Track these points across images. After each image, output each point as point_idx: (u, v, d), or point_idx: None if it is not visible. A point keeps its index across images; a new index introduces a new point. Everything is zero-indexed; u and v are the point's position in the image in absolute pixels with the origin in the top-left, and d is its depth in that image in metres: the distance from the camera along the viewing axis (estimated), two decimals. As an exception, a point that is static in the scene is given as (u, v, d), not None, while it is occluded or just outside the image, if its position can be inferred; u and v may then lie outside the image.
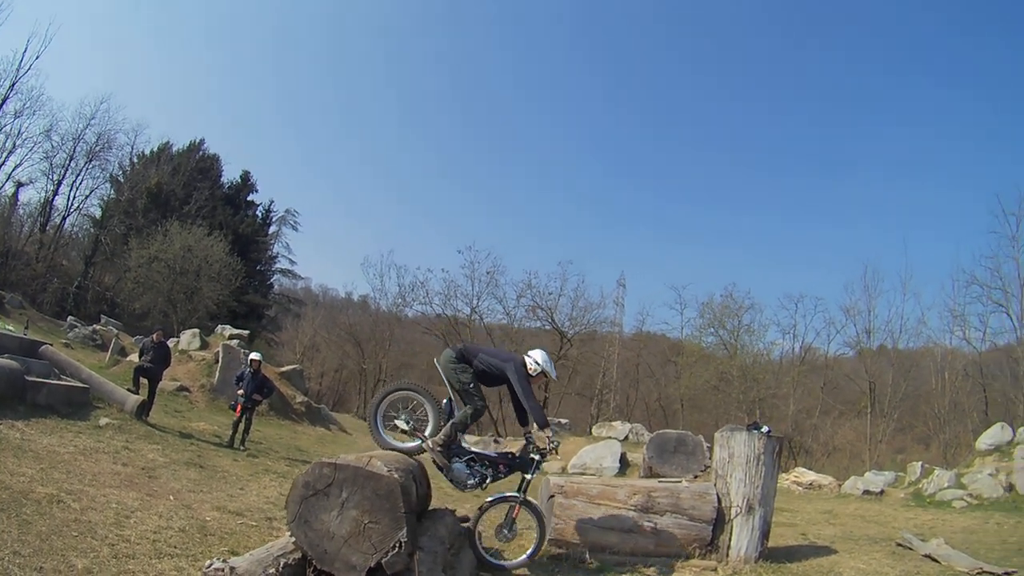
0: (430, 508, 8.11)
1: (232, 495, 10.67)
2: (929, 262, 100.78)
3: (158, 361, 17.54)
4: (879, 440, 45.58)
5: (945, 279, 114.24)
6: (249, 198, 71.10)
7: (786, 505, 18.27)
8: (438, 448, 8.16)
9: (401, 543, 5.28)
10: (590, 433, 31.89)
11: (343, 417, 43.57)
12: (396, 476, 5.50)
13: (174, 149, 66.09)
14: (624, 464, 23.35)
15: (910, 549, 12.53)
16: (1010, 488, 19.38)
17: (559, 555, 9.48)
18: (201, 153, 67.89)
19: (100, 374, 18.13)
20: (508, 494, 8.54)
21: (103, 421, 14.26)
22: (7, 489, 7.85)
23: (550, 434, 8.59)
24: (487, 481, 8.50)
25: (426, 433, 8.43)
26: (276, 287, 78.16)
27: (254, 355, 19.09)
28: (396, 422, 8.53)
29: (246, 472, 13.29)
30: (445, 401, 8.69)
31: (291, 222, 75.71)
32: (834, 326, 52.88)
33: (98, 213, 60.39)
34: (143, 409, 16.12)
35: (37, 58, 50.26)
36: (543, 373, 8.77)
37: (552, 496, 10.00)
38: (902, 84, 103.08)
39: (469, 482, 8.33)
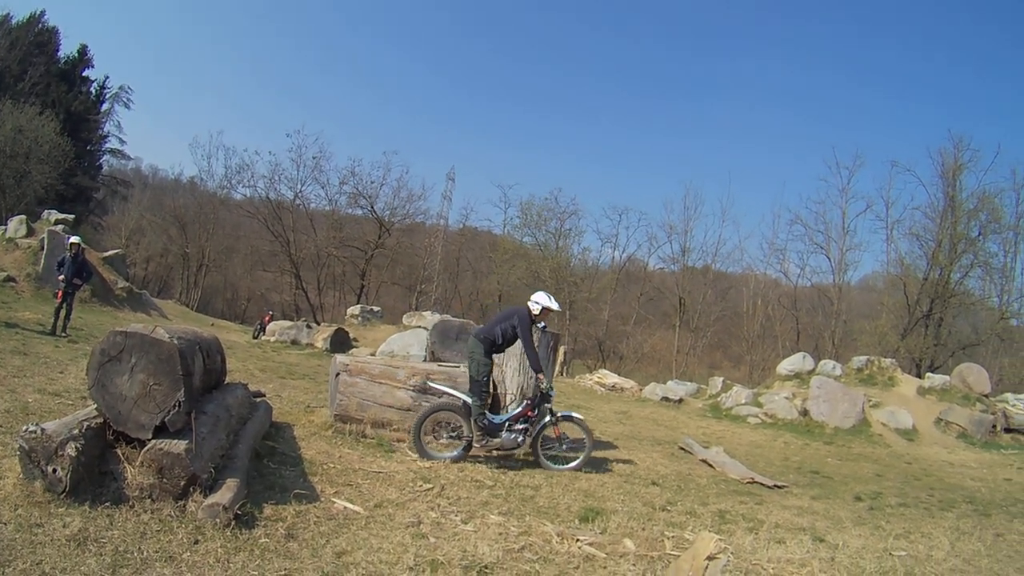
0: (226, 382, 8.79)
1: (52, 379, 10.98)
2: (751, 194, 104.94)
3: None
4: (687, 352, 48.20)
5: (767, 213, 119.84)
6: (84, 73, 67.35)
7: (585, 403, 19.61)
8: (481, 441, 9.72)
9: (179, 403, 5.83)
10: (402, 323, 32.38)
11: (165, 304, 43.04)
12: (176, 342, 6.00)
13: (13, 22, 61.54)
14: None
15: (690, 453, 13.78)
16: (804, 413, 21.04)
17: (341, 429, 10.25)
18: (40, 26, 63.54)
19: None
20: (545, 419, 10.23)
21: (-74, 315, 14.05)
22: None
23: (542, 377, 10.04)
24: (528, 431, 10.02)
25: (465, 435, 9.84)
26: (105, 168, 75.09)
27: (73, 238, 19.01)
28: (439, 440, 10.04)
29: (66, 357, 13.57)
30: (460, 404, 9.91)
31: (124, 99, 72.35)
32: (655, 241, 55.38)
33: None
34: (-32, 302, 15.84)
35: None
36: (545, 309, 10.19)
37: (338, 374, 10.64)
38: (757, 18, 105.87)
39: (519, 441, 9.89)
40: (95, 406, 6.09)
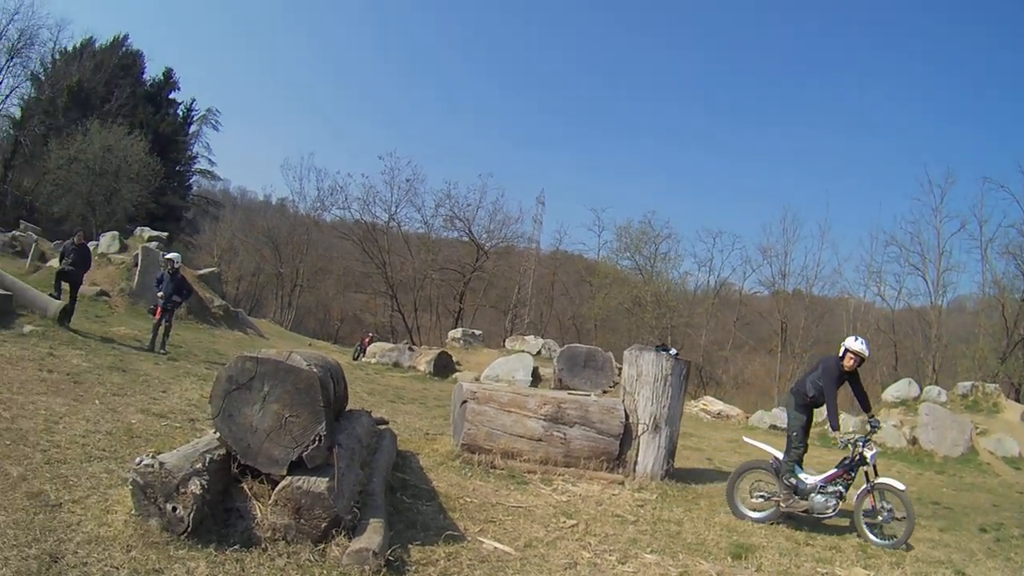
0: (347, 409, 8.22)
1: (155, 398, 10.66)
2: (849, 216, 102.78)
3: (79, 264, 17.18)
4: (788, 378, 46.67)
5: (864, 235, 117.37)
6: (171, 96, 69.05)
7: (694, 431, 18.82)
8: (788, 501, 8.90)
9: (320, 437, 5.33)
10: (503, 346, 32.01)
11: (260, 322, 43.26)
12: (315, 370, 5.50)
13: (97, 45, 63.40)
14: (536, 378, 23.43)
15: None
16: (914, 441, 20.08)
17: (469, 459, 9.74)
18: (124, 49, 65.43)
19: (21, 281, 17.73)
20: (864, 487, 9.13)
21: (27, 328, 14.12)
22: None
23: (839, 435, 9.30)
24: (843, 495, 9.05)
25: (775, 496, 9.09)
26: (195, 188, 76.85)
27: (172, 255, 18.74)
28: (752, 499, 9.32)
29: (168, 375, 13.23)
30: (771, 461, 9.31)
31: (212, 121, 73.99)
32: (750, 264, 54.18)
33: (18, 113, 57.38)
34: (65, 315, 15.87)
35: None
36: (852, 352, 9.13)
37: (465, 402, 10.18)
38: (840, 44, 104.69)
39: (831, 506, 8.94)
40: (217, 436, 5.60)
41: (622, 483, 9.90)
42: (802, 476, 9.11)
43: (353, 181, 69.89)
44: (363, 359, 29.43)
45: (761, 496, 9.26)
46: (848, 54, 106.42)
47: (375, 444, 8.10)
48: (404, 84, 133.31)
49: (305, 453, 5.31)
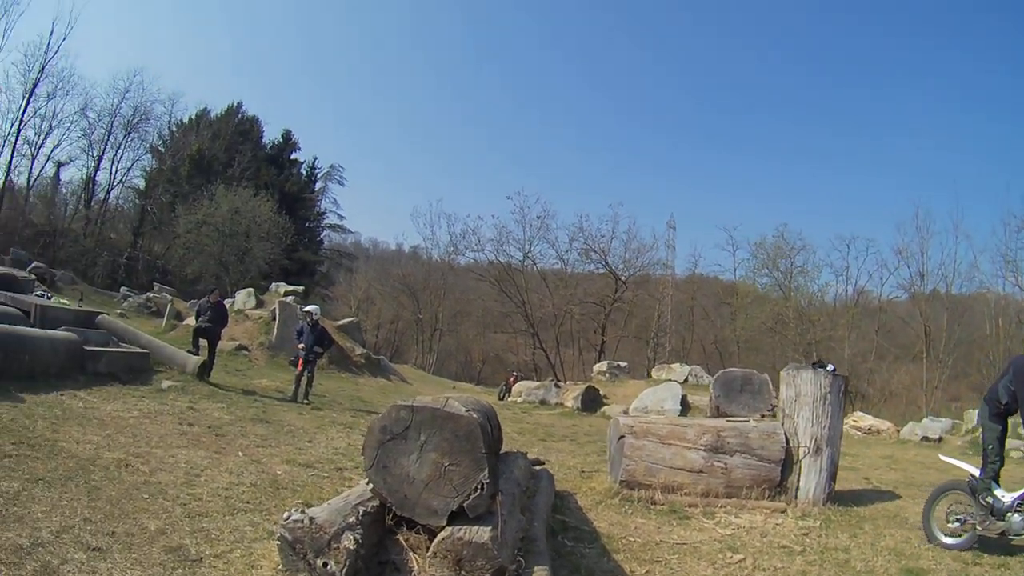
0: (503, 451, 7.95)
1: (301, 448, 10.67)
2: (978, 204, 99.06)
3: (216, 321, 17.48)
4: (935, 386, 44.71)
5: (996, 223, 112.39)
6: (292, 156, 71.55)
7: (847, 449, 18.07)
8: (984, 523, 8.13)
9: (483, 485, 5.09)
10: (649, 376, 31.77)
11: (402, 367, 43.64)
12: (475, 416, 5.29)
13: (212, 115, 66.70)
14: (685, 406, 23.08)
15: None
16: None
17: (629, 496, 9.42)
18: (240, 116, 68.30)
19: (158, 339, 18.12)
20: None
21: (165, 384, 14.21)
22: (73, 457, 7.79)
23: None
24: None
25: (971, 519, 8.30)
26: (326, 243, 78.69)
27: (310, 308, 18.85)
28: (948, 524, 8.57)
29: (312, 425, 13.29)
30: (968, 479, 8.60)
31: (336, 177, 76.29)
32: (887, 268, 51.99)
33: (142, 184, 61.41)
34: (204, 369, 16.05)
35: (64, 40, 51.71)
36: None
37: (622, 437, 9.90)
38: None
39: None
40: (370, 487, 5.45)
41: (784, 511, 9.46)
42: (998, 494, 8.17)
43: (484, 223, 70.30)
44: (509, 398, 29.58)
45: (957, 520, 8.38)
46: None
47: (533, 486, 7.93)
48: (532, 122, 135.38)
49: (467, 502, 5.09)
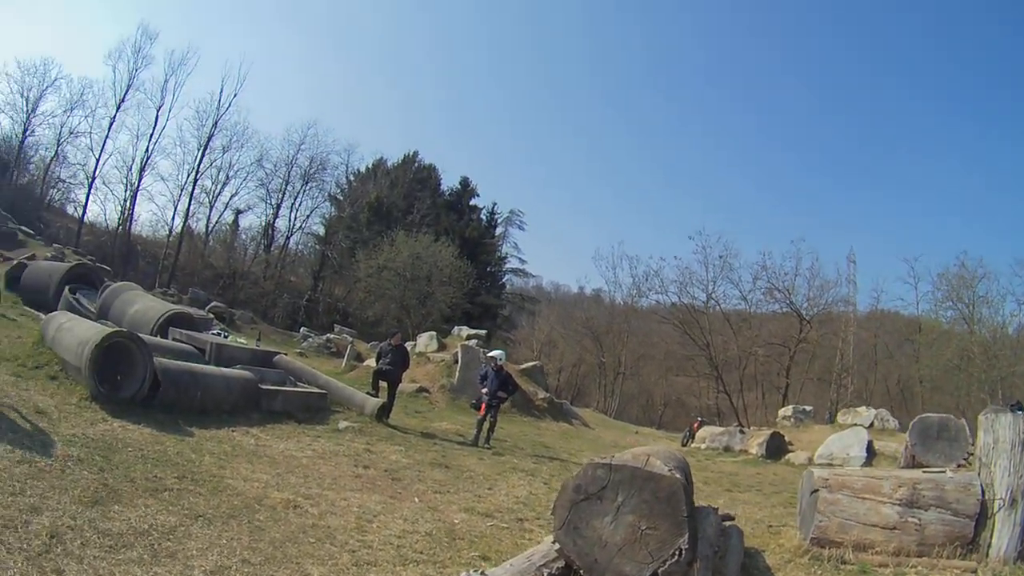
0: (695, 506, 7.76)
1: (480, 495, 10.43)
2: None
3: (397, 363, 17.46)
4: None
5: None
6: (471, 203, 73.73)
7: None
8: None
9: (681, 550, 4.82)
10: (832, 420, 30.68)
11: (584, 411, 43.33)
12: (678, 476, 5.03)
13: (388, 164, 70.30)
14: (871, 453, 22.08)
15: None
16: None
17: (819, 554, 9.03)
18: (417, 164, 71.46)
19: (337, 379, 18.30)
20: None
21: (342, 424, 14.07)
22: (238, 495, 7.80)
23: None
24: None
25: None
26: (508, 287, 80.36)
27: (495, 353, 18.81)
28: None
29: (493, 471, 12.96)
30: None
31: (516, 222, 78.36)
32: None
33: (321, 230, 65.50)
34: (383, 411, 16.02)
35: (235, 96, 57.46)
36: None
37: (816, 490, 9.47)
38: None
39: None
40: (557, 547, 5.33)
41: (975, 571, 8.74)
42: None
43: (667, 264, 70.15)
44: (692, 444, 29.26)
45: None
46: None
47: (723, 545, 7.59)
48: (709, 160, 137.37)
49: (662, 568, 4.88)
